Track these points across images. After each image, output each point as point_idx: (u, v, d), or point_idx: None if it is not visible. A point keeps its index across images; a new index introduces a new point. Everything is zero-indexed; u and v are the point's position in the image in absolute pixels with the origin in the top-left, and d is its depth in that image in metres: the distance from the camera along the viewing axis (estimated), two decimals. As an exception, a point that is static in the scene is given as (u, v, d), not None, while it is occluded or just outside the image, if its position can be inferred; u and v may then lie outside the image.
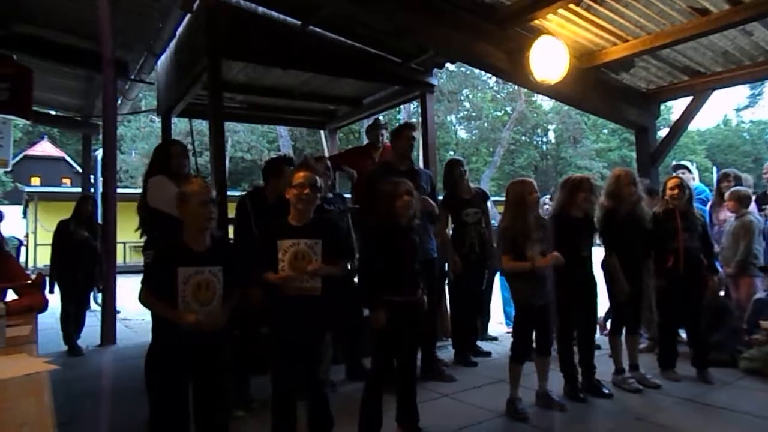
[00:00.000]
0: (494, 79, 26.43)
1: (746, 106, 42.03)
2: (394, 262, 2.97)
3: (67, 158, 31.03)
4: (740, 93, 41.19)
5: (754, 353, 4.25)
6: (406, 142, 4.35)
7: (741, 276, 4.89)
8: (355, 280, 4.11)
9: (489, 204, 5.31)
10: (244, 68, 5.60)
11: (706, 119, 45.07)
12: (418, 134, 4.71)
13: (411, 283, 3.04)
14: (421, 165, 5.66)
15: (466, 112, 30.72)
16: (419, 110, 6.44)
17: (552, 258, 3.40)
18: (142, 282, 2.44)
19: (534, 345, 3.61)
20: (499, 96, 29.62)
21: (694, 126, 32.06)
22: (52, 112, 9.21)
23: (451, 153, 28.77)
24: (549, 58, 4.83)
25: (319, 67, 5.48)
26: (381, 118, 6.57)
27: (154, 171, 3.61)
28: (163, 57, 6.28)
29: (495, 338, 5.81)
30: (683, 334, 4.71)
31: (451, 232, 4.95)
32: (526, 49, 4.80)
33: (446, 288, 5.12)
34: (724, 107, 56.79)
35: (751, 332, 4.41)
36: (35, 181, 27.76)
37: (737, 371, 4.27)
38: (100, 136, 7.51)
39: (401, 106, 18.69)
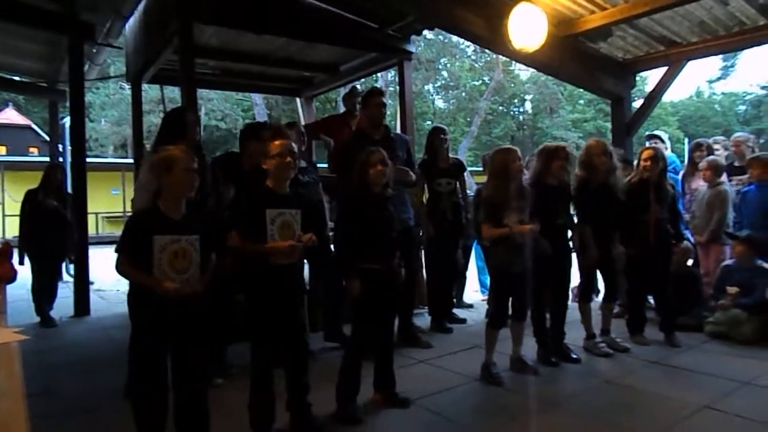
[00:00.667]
0: (472, 47, 26.21)
1: (719, 78, 42.61)
2: (369, 230, 2.98)
3: (34, 126, 29.99)
4: (713, 65, 41.66)
5: (719, 317, 4.41)
6: (377, 109, 4.26)
7: (712, 244, 5.01)
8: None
9: (466, 174, 5.34)
10: (217, 32, 5.45)
11: (679, 91, 45.53)
12: (394, 101, 4.66)
13: (387, 251, 3.06)
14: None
15: (443, 81, 30.42)
16: (397, 78, 6.35)
17: (529, 228, 3.45)
18: (118, 250, 2.40)
19: (510, 311, 3.68)
20: (477, 65, 29.35)
21: (667, 98, 32.42)
22: (16, 78, 8.85)
23: (429, 122, 28.59)
24: (528, 25, 4.79)
25: (295, 31, 5.36)
26: (358, 86, 6.49)
27: (169, 139, 3.48)
28: (131, 20, 6.05)
29: (470, 305, 5.90)
30: (651, 301, 4.85)
31: (425, 200, 4.98)
32: (505, 16, 4.76)
33: (422, 256, 5.17)
34: (697, 79, 57.35)
35: (717, 297, 4.56)
36: (1, 150, 26.83)
37: (703, 335, 4.43)
38: (68, 103, 7.27)
39: (379, 74, 18.43)
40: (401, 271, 3.16)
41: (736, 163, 5.30)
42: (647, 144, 5.46)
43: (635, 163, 4.50)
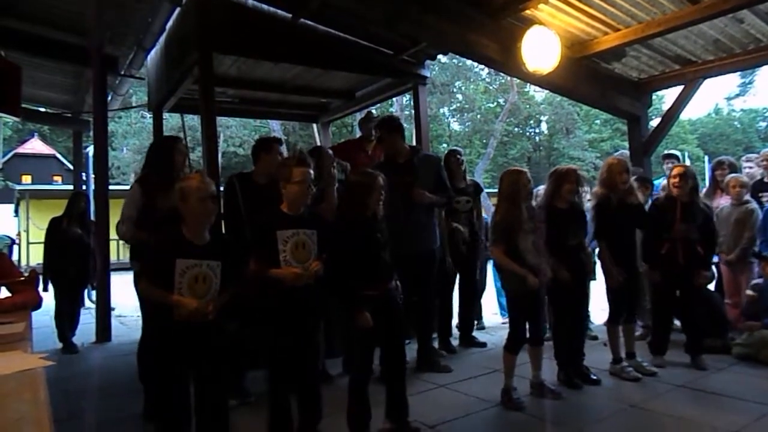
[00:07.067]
0: (487, 70, 26.39)
1: (737, 95, 42.17)
2: (363, 255, 2.90)
3: (58, 155, 30.81)
4: (731, 82, 41.41)
5: (747, 339, 4.30)
6: (397, 136, 4.29)
7: (739, 263, 4.86)
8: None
9: (483, 196, 5.36)
10: (235, 62, 5.57)
11: (698, 108, 45.18)
12: (410, 125, 4.69)
13: (382, 276, 2.98)
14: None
15: (458, 104, 30.58)
16: (412, 102, 6.42)
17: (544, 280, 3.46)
18: (140, 272, 2.44)
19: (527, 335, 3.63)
20: (491, 88, 29.53)
21: (685, 115, 32.13)
22: (42, 109, 9.12)
23: (445, 145, 28.68)
24: (541, 48, 4.82)
25: (311, 59, 5.47)
26: (374, 111, 6.57)
27: (156, 168, 3.56)
28: (153, 52, 6.22)
29: (483, 327, 5.82)
30: (677, 322, 4.74)
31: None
32: (518, 40, 4.80)
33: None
34: (715, 96, 56.83)
35: (750, 317, 4.44)
36: (26, 179, 27.55)
37: (730, 357, 4.31)
38: (91, 133, 7.46)
39: (394, 99, 18.66)
40: (399, 295, 3.06)
41: (766, 179, 5.20)
42: (663, 164, 5.41)
43: (665, 181, 4.44)
